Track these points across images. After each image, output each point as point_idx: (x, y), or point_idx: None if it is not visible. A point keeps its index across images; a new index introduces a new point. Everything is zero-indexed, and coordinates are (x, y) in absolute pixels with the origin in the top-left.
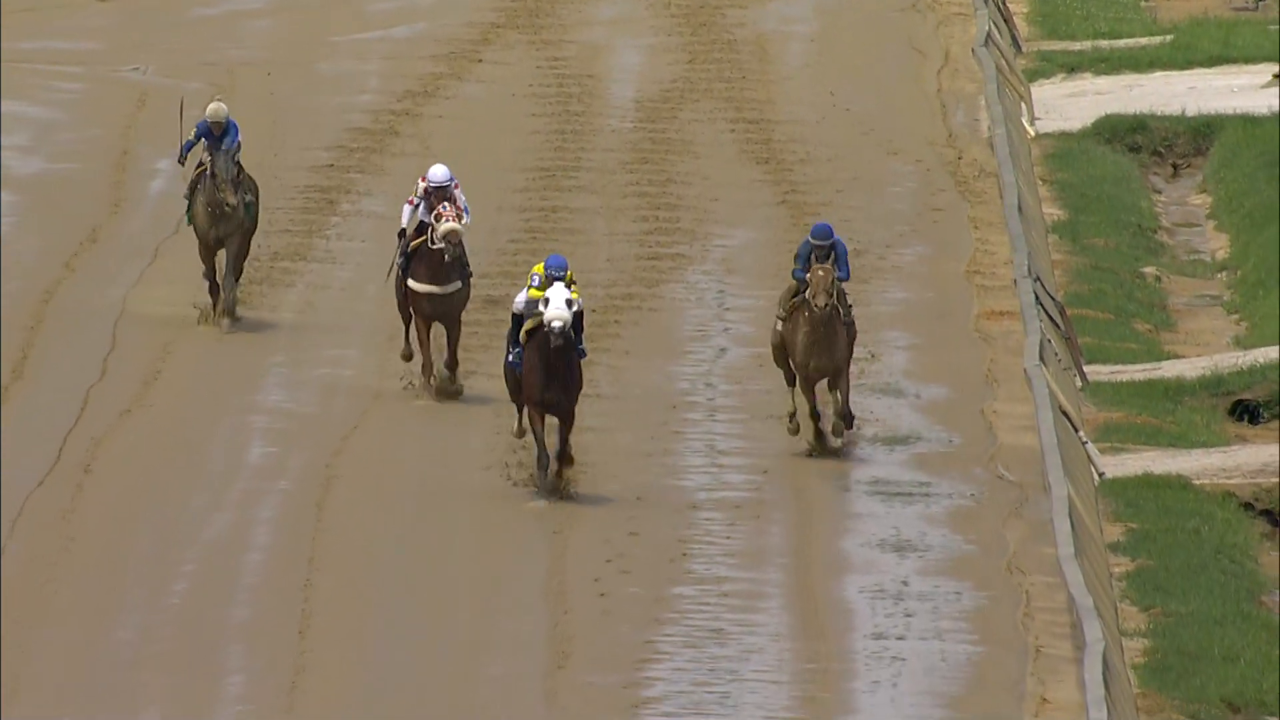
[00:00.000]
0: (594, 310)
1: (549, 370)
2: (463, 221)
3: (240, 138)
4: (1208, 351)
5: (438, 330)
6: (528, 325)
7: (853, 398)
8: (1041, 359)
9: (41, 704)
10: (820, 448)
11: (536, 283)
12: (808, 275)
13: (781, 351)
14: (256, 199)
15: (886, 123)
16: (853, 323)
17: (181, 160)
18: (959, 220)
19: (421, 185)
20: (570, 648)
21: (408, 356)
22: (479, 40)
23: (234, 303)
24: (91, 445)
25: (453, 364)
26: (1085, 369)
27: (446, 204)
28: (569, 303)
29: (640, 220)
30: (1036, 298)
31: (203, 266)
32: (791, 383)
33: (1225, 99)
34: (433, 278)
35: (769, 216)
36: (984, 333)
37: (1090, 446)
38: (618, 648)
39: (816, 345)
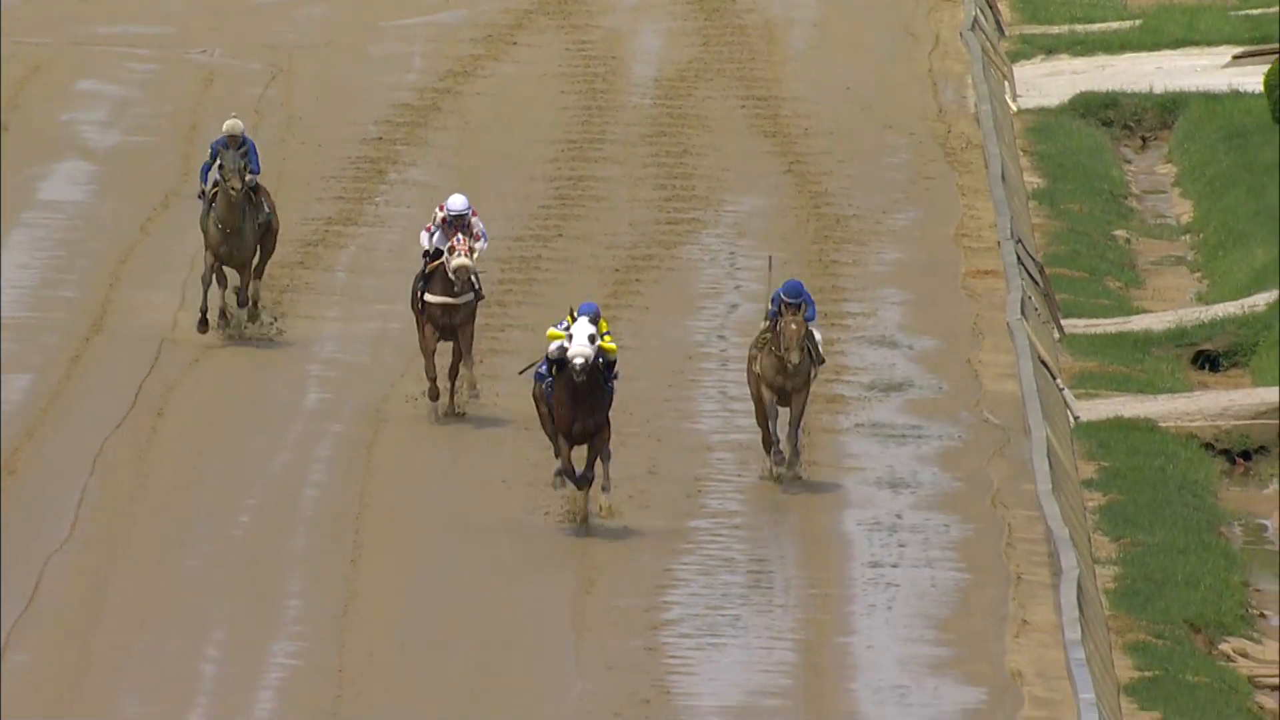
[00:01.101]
0: (617, 270)
1: (576, 399)
2: (478, 249)
3: (259, 158)
4: (1173, 306)
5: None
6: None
7: (852, 348)
8: (1022, 313)
9: (120, 626)
10: (775, 465)
11: (563, 326)
12: (779, 322)
13: (757, 394)
14: (274, 213)
15: (882, 100)
16: (823, 361)
17: (203, 187)
18: (948, 188)
19: (439, 214)
20: (596, 574)
21: (435, 395)
22: (514, 25)
23: (257, 303)
24: (164, 391)
25: (469, 378)
26: (1062, 322)
27: (460, 236)
28: (592, 338)
29: (659, 188)
30: (1018, 258)
31: (204, 269)
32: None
33: (1189, 78)
34: (445, 291)
35: (776, 184)
36: (970, 290)
37: (1066, 393)
38: (639, 575)
39: (784, 370)
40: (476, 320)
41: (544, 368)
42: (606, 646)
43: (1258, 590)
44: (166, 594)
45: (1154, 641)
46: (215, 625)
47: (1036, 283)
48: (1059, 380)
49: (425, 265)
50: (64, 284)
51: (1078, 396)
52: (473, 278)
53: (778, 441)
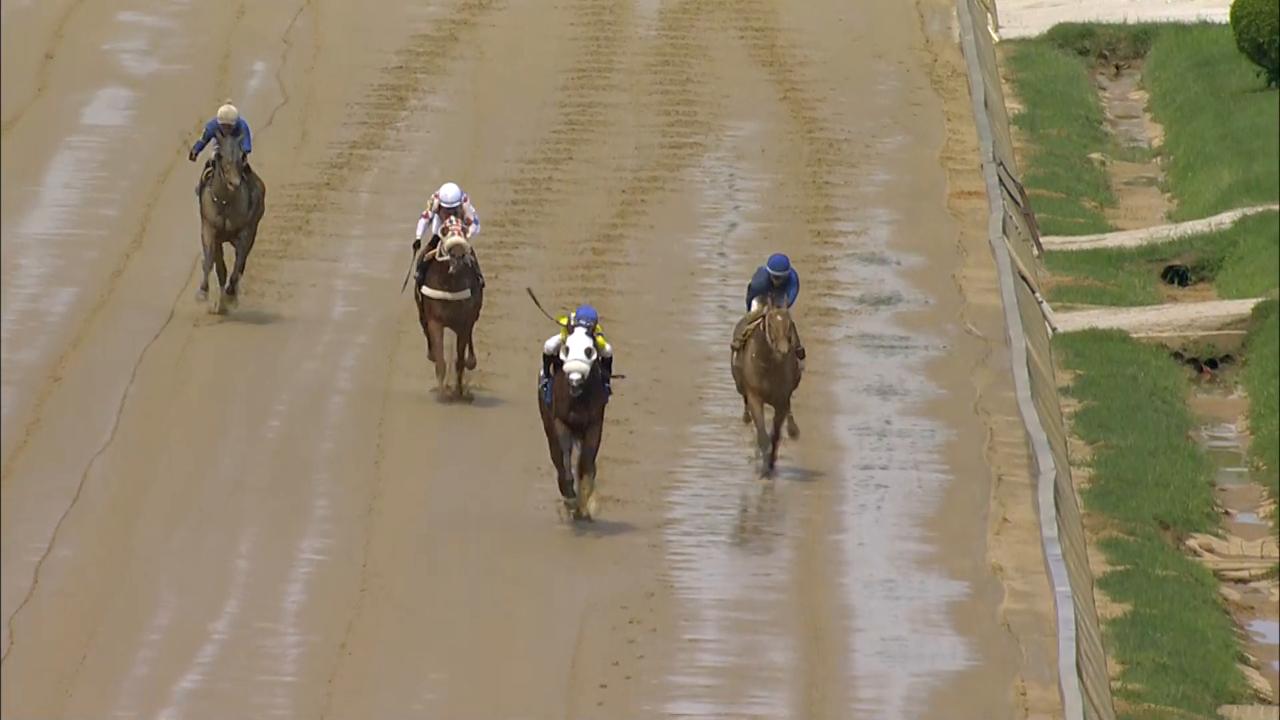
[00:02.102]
0: (623, 191)
1: (573, 402)
2: (469, 234)
3: (250, 140)
4: (1144, 225)
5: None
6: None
7: (843, 265)
8: (1004, 231)
9: (159, 523)
10: (765, 458)
11: (555, 341)
12: (764, 312)
13: (742, 384)
14: (263, 195)
15: (872, 31)
16: (803, 353)
17: (192, 157)
18: (934, 114)
19: (435, 202)
20: (603, 476)
21: (445, 390)
22: None
23: (236, 289)
24: (199, 304)
25: (470, 362)
26: (1041, 240)
27: (454, 218)
28: (588, 352)
29: (663, 114)
30: (999, 179)
31: (204, 253)
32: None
33: (1161, 9)
34: (444, 285)
35: (773, 111)
36: (955, 210)
37: (1045, 306)
38: (644, 477)
39: (768, 374)
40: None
41: (543, 366)
42: (613, 544)
43: (1223, 490)
44: (202, 493)
45: (1126, 538)
46: (248, 523)
47: (1017, 203)
48: (1038, 294)
49: (420, 254)
50: (106, 203)
51: (1055, 309)
52: (471, 262)
53: (764, 436)
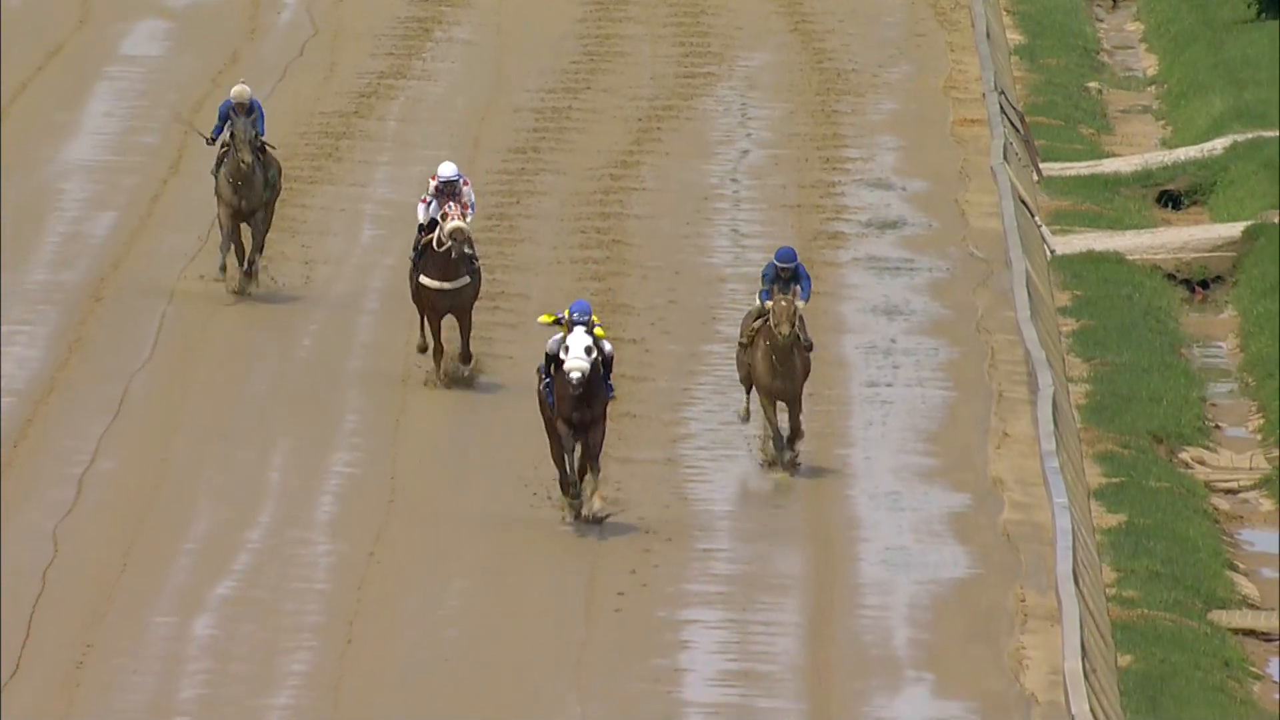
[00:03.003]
0: (639, 119)
1: (576, 398)
2: (467, 218)
3: (264, 121)
4: (1139, 151)
5: (450, 321)
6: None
7: (850, 190)
8: (1005, 158)
9: (196, 437)
10: (779, 460)
11: (555, 341)
12: (769, 303)
13: (746, 377)
14: (279, 173)
15: None
16: (811, 345)
17: (210, 142)
18: (938, 45)
19: (433, 183)
20: (621, 392)
21: (423, 349)
22: None
23: (255, 269)
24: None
25: (466, 357)
26: (1040, 166)
27: (452, 203)
28: (588, 350)
29: (678, 45)
30: (1001, 108)
31: (221, 233)
32: (749, 391)
33: None
34: (443, 274)
35: (783, 42)
36: (958, 137)
37: (1044, 229)
38: (659, 393)
39: (777, 370)
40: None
41: (544, 366)
42: (631, 459)
43: (1214, 405)
44: (237, 409)
45: (1121, 451)
46: (281, 437)
47: (1017, 130)
48: (1037, 218)
49: (419, 239)
50: (144, 130)
51: (1054, 232)
52: (470, 250)
53: (780, 437)
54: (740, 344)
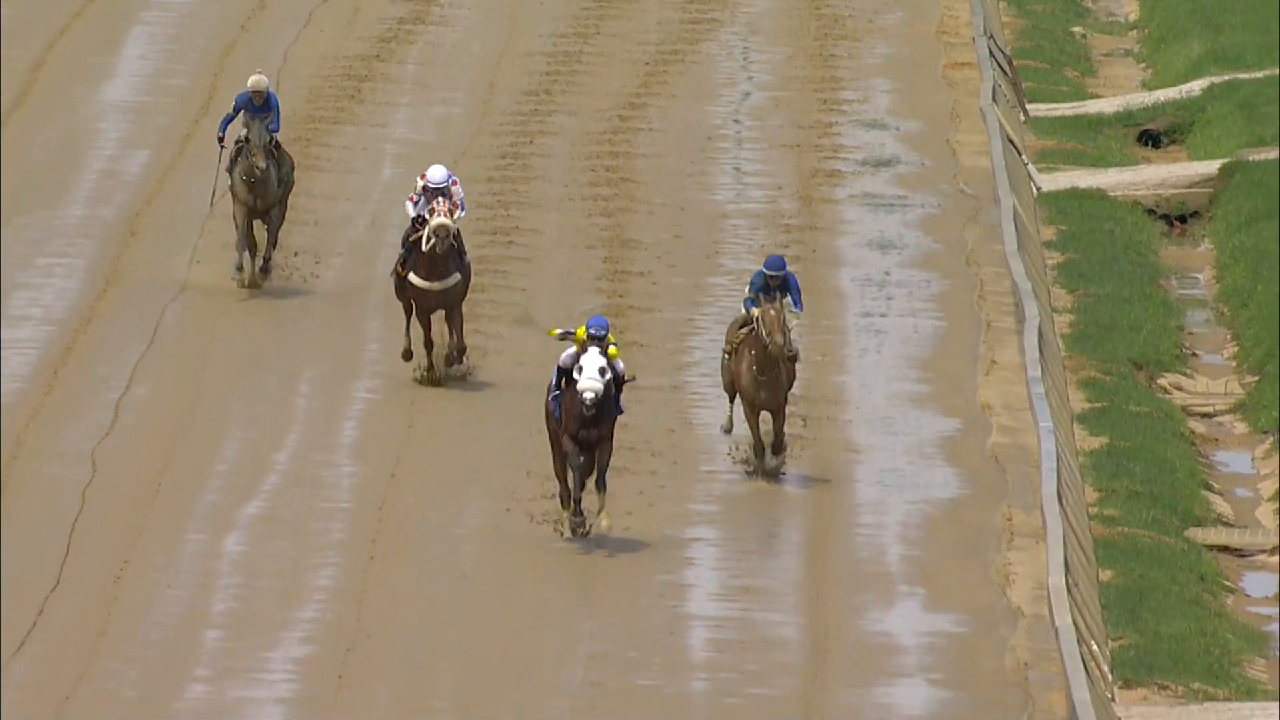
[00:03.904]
0: (646, 63)
1: (584, 420)
2: (456, 216)
3: (279, 118)
4: (1121, 92)
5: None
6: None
7: (847, 130)
8: (993, 99)
9: (226, 364)
10: (761, 469)
11: (568, 355)
12: (756, 311)
13: (730, 384)
14: (292, 170)
15: None
16: (797, 356)
17: (221, 135)
18: None
19: (421, 184)
20: (627, 323)
21: (408, 355)
22: None
23: (269, 266)
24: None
25: (460, 351)
26: (1027, 107)
27: (440, 199)
28: (602, 371)
29: None
30: (990, 51)
31: (236, 230)
32: (733, 400)
33: None
34: (430, 273)
35: None
36: (949, 79)
37: (1030, 167)
38: (665, 324)
39: (760, 380)
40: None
41: (554, 379)
42: (635, 387)
43: (1190, 333)
44: (265, 337)
45: (1103, 378)
46: (306, 365)
47: (1005, 73)
48: (1024, 156)
49: (407, 234)
50: (175, 74)
51: (1040, 170)
52: (457, 244)
53: (761, 446)
54: (725, 353)
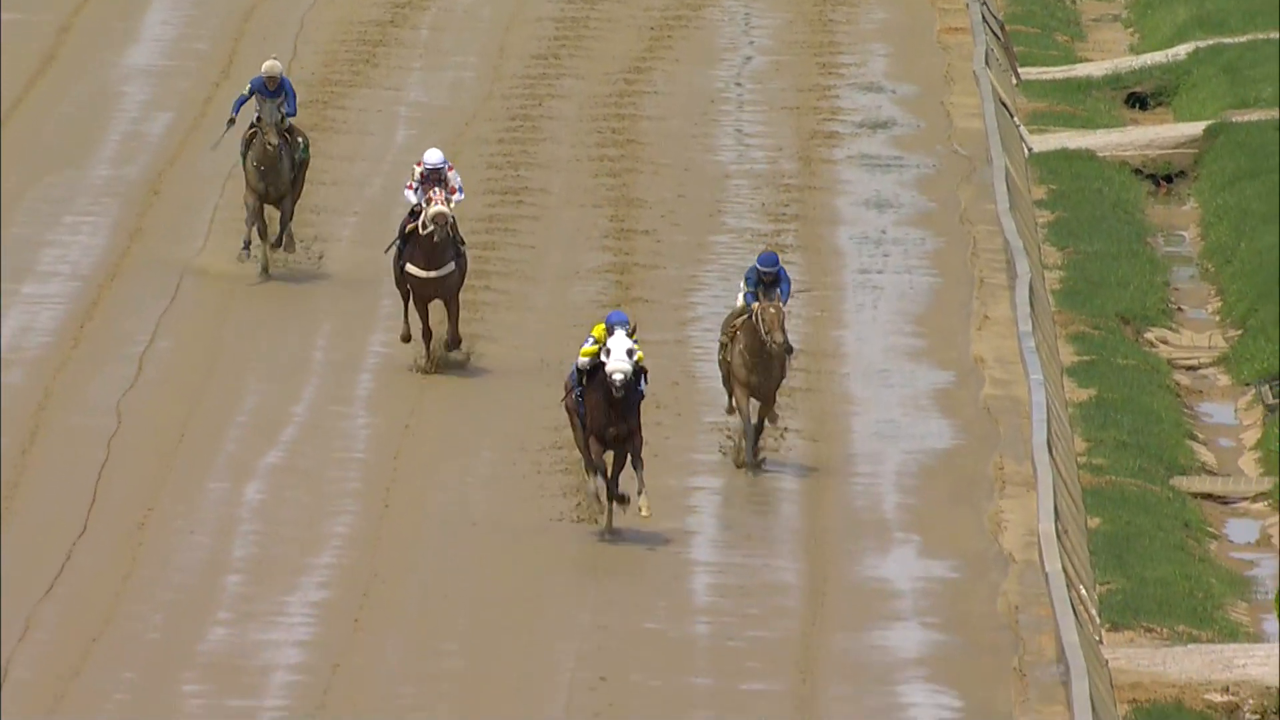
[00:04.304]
0: (651, 28)
1: (611, 407)
2: (454, 202)
3: (293, 101)
4: (1109, 56)
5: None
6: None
7: (845, 93)
8: (986, 63)
9: (246, 318)
10: (749, 457)
11: (590, 343)
12: (755, 306)
13: (727, 375)
14: (307, 149)
15: None
16: (792, 350)
17: (233, 116)
18: None
19: (418, 169)
20: (632, 279)
21: (406, 338)
22: None
23: (281, 242)
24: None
25: (455, 340)
26: (1019, 70)
27: (437, 188)
28: (630, 353)
29: None
30: (983, 17)
31: (247, 212)
32: (732, 392)
33: None
34: (427, 262)
35: None
36: (943, 44)
37: (1022, 128)
38: (669, 280)
39: (756, 362)
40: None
41: (574, 378)
42: (644, 340)
43: (1176, 289)
44: (284, 293)
45: (1091, 332)
46: (323, 319)
47: (998, 38)
48: (1016, 118)
49: (404, 224)
50: (196, 39)
51: (1031, 132)
52: (453, 233)
53: (749, 425)
54: (721, 343)
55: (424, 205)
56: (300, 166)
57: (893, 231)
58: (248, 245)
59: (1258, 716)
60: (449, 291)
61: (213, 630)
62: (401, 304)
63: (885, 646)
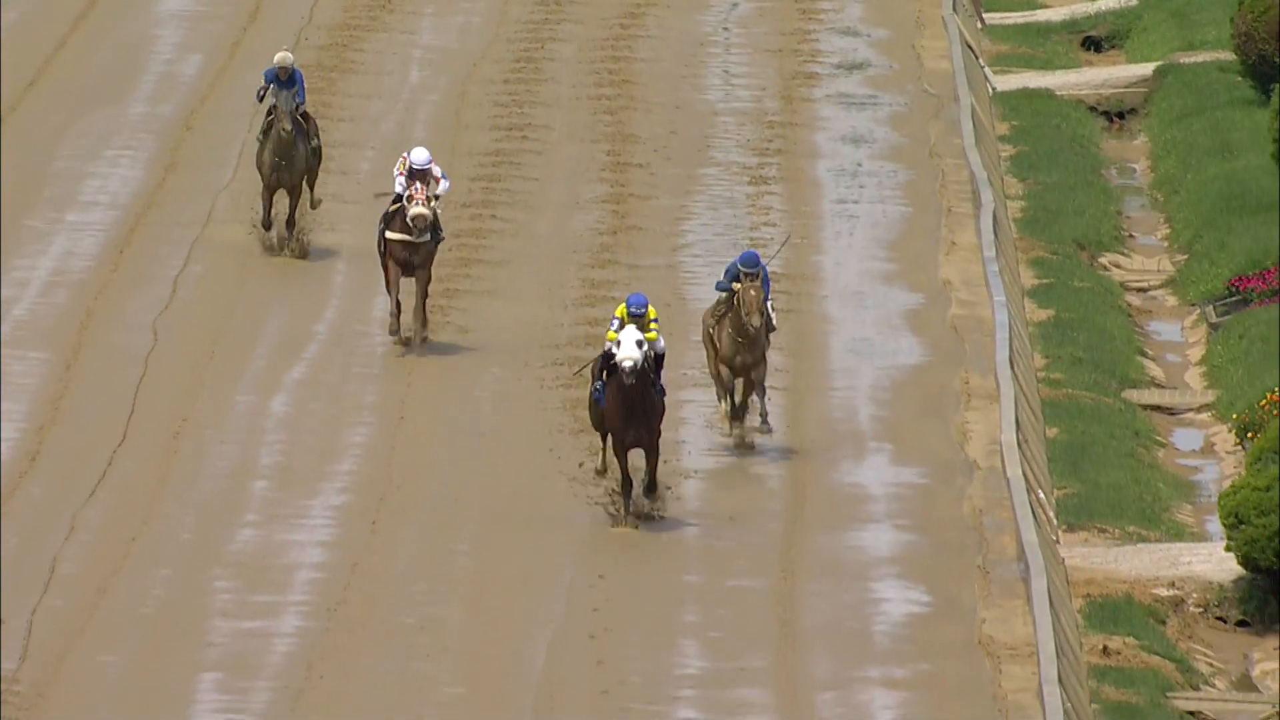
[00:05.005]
0: None
1: (629, 407)
2: (441, 189)
3: (304, 91)
4: (1067, 3)
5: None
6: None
7: (823, 37)
8: (954, 9)
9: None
10: (741, 434)
11: (615, 326)
12: (738, 287)
13: (714, 356)
14: (320, 141)
15: None
16: (774, 327)
17: (260, 98)
18: None
19: (404, 162)
20: (627, 209)
21: (395, 330)
22: None
23: (300, 236)
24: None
25: (422, 319)
26: (984, 15)
27: (419, 184)
28: (639, 344)
29: None
30: None
31: (260, 205)
32: (717, 379)
33: None
34: (404, 229)
35: None
36: None
37: (986, 69)
38: (661, 210)
39: (741, 341)
40: (436, 258)
41: (597, 376)
42: (635, 265)
43: (1128, 217)
44: (306, 220)
45: (1050, 257)
46: (345, 246)
47: None
48: (981, 60)
49: (387, 210)
50: None
51: (995, 72)
52: (434, 226)
53: (738, 411)
54: (706, 328)
55: (406, 203)
56: (315, 154)
57: (867, 165)
58: (268, 226)
59: (1201, 609)
60: (423, 259)
61: (241, 531)
62: (387, 297)
63: (860, 546)
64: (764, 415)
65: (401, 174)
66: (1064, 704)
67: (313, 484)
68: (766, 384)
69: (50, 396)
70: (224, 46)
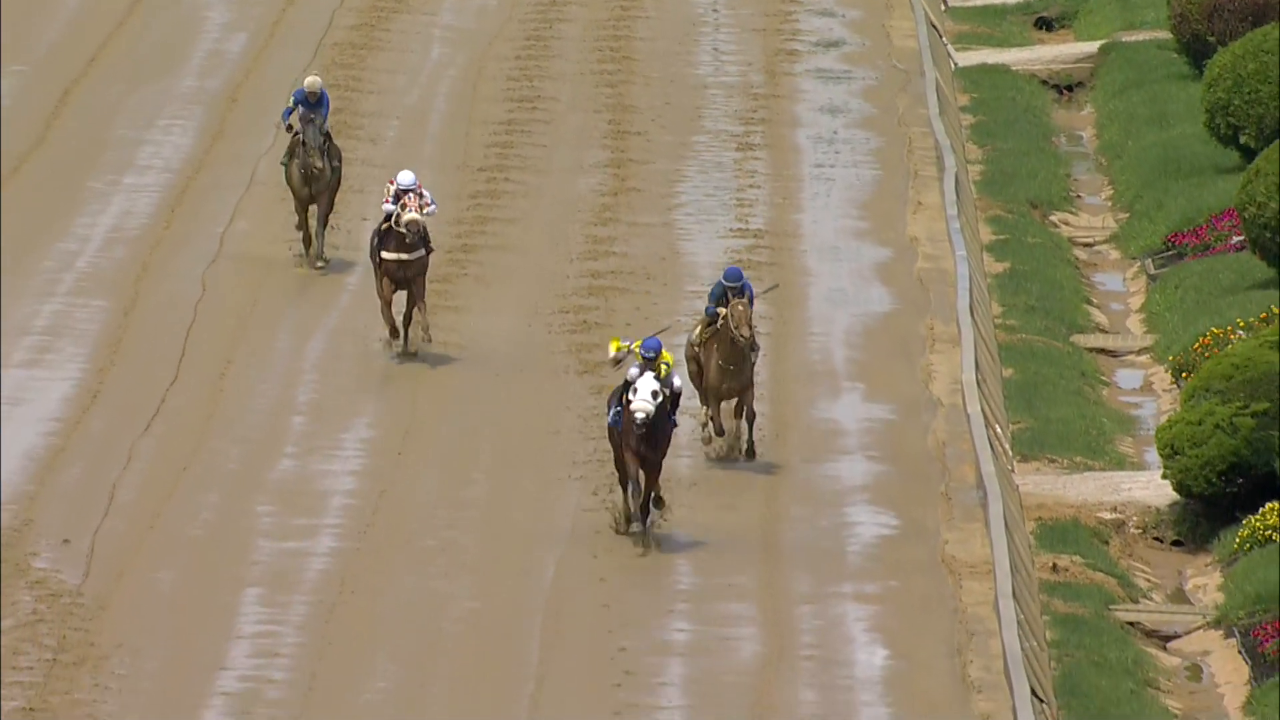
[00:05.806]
0: None
1: (643, 439)
2: (427, 212)
3: (328, 112)
4: None
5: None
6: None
7: (803, 18)
8: None
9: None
10: (734, 445)
11: (635, 371)
12: (723, 310)
13: (697, 373)
14: (341, 163)
15: None
16: (758, 349)
17: (287, 124)
18: None
19: (392, 187)
20: (627, 172)
21: (394, 334)
22: None
23: (323, 247)
24: (337, 47)
25: (424, 323)
26: None
27: (411, 195)
28: (654, 394)
29: None
30: None
31: (295, 218)
32: (705, 401)
33: None
34: (399, 248)
35: None
36: None
37: (949, 47)
38: (657, 173)
39: (729, 368)
40: (429, 273)
41: (615, 402)
42: (634, 223)
43: (1076, 180)
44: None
45: (1006, 215)
46: (374, 208)
47: None
48: (944, 38)
49: (378, 228)
50: None
51: (957, 50)
52: (424, 235)
53: (722, 430)
54: (695, 346)
55: (399, 211)
56: (336, 175)
57: (842, 132)
58: (306, 238)
59: (1140, 530)
60: (416, 273)
61: (281, 462)
62: (381, 308)
63: (835, 476)
64: (750, 445)
65: (388, 200)
66: (1018, 616)
67: (345, 419)
68: (756, 407)
69: (110, 340)
70: (265, 26)
